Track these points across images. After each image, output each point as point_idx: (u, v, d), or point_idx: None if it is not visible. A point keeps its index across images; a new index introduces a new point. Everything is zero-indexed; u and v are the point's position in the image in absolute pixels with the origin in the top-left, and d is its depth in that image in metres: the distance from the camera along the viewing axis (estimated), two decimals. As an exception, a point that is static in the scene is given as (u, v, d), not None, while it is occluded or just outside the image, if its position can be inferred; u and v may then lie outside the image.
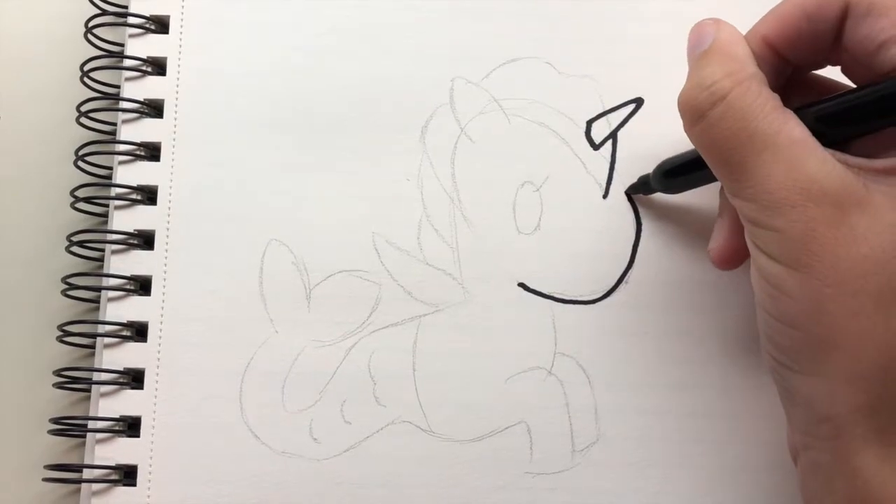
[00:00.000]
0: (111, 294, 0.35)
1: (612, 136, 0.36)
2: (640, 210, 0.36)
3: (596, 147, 0.36)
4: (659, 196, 0.35)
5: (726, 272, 0.34)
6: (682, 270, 0.35)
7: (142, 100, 0.36)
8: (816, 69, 0.31)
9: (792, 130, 0.26)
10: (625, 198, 0.36)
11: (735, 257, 0.32)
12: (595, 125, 0.36)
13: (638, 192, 0.36)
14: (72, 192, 0.36)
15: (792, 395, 0.27)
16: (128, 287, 0.35)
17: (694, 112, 0.28)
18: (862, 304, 0.25)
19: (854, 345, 0.25)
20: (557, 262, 0.35)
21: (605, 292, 0.35)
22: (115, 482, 0.34)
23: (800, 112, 0.27)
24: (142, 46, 0.37)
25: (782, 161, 0.26)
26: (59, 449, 0.36)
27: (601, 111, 0.36)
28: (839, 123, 0.27)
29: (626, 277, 0.35)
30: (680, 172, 0.33)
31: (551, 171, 0.36)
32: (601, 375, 0.34)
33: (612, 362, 0.35)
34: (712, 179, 0.30)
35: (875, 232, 0.25)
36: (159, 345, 0.35)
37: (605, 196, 0.36)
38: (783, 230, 0.26)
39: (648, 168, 0.34)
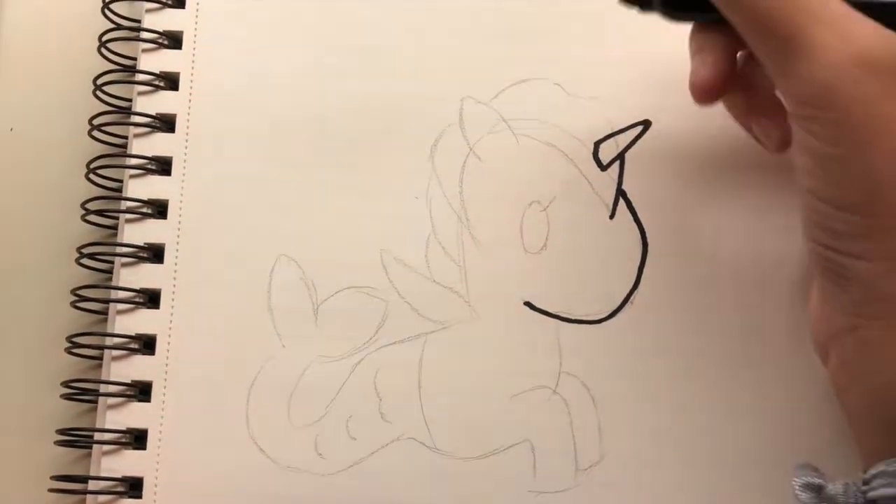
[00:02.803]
0: (120, 306, 0.35)
1: (620, 157, 0.36)
2: (647, 231, 0.36)
3: (603, 168, 0.36)
4: (665, 216, 0.36)
5: (732, 290, 0.34)
6: (687, 292, 0.35)
7: (154, 114, 0.37)
8: None
9: (837, 6, 0.25)
10: (632, 219, 0.36)
11: (723, 83, 0.29)
12: (603, 146, 0.36)
13: (634, 5, 0.31)
14: (83, 205, 0.36)
15: (846, 279, 0.26)
16: (137, 300, 0.36)
17: None
18: None
19: None
20: (564, 282, 0.36)
21: (610, 312, 0.35)
22: (120, 494, 0.34)
23: None
24: (155, 61, 0.37)
25: (837, 32, 0.25)
26: (66, 460, 0.36)
27: (609, 132, 0.36)
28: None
29: (632, 298, 0.35)
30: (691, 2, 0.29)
31: (559, 191, 0.36)
32: (606, 395, 0.35)
33: (616, 382, 0.35)
34: (720, 21, 0.28)
35: None
36: (167, 358, 0.35)
37: (611, 217, 0.36)
38: (845, 109, 0.25)
39: (655, 189, 0.34)
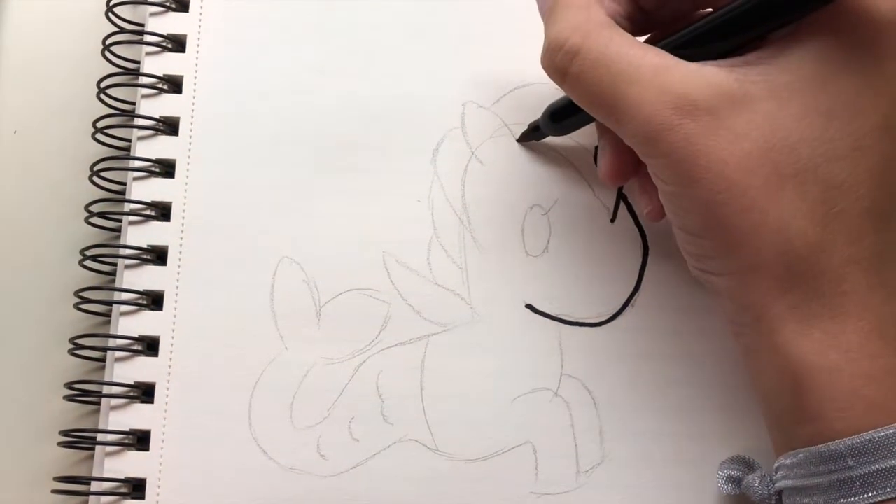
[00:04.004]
0: (123, 308, 0.36)
1: (621, 161, 0.37)
2: (648, 234, 0.36)
3: (604, 172, 0.37)
4: (665, 220, 0.36)
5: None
6: (688, 294, 0.36)
7: (157, 117, 0.37)
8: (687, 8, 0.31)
9: (652, 60, 0.27)
10: (633, 222, 0.36)
11: (622, 172, 0.32)
12: (603, 150, 0.37)
13: (530, 139, 0.36)
14: (86, 207, 0.36)
15: (717, 294, 0.29)
16: (140, 302, 0.36)
17: (556, 73, 0.29)
18: (753, 200, 0.26)
19: (752, 239, 0.27)
20: (565, 285, 0.36)
21: (611, 315, 0.36)
22: (123, 495, 0.34)
23: (659, 45, 0.28)
24: (158, 64, 0.38)
25: (649, 89, 0.27)
26: (69, 461, 0.36)
27: (610, 137, 0.37)
28: (696, 45, 0.28)
29: (633, 301, 0.36)
30: (566, 113, 0.33)
31: (560, 195, 0.37)
32: (607, 397, 0.35)
33: (617, 384, 0.35)
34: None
35: (754, 125, 0.26)
36: (170, 359, 0.35)
37: (612, 220, 0.36)
38: (668, 154, 0.27)
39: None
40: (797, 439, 0.27)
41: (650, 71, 0.27)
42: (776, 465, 0.29)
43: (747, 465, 0.32)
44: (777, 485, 0.29)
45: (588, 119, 0.33)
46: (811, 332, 0.27)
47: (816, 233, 0.26)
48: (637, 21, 0.31)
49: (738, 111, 0.26)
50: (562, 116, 0.34)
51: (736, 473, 0.32)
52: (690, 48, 0.28)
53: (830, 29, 0.26)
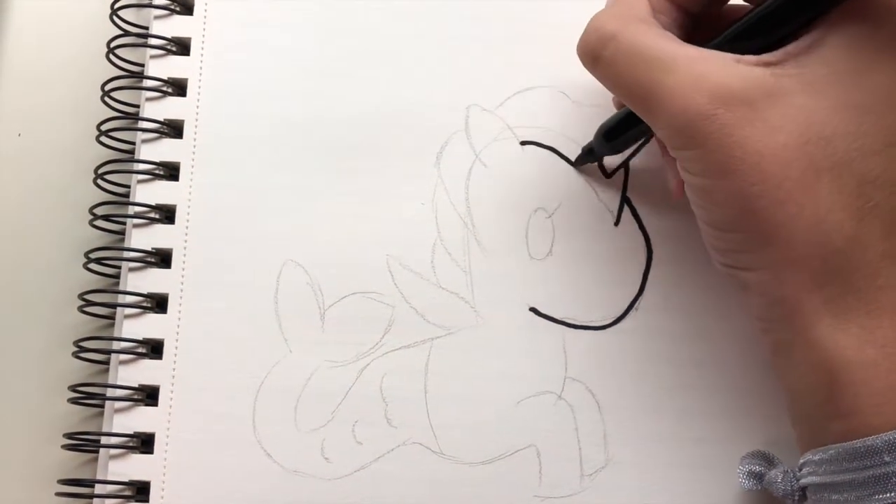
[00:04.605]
0: (127, 311, 0.36)
1: (625, 164, 0.37)
2: (651, 238, 0.36)
3: (608, 175, 0.37)
4: (669, 223, 0.36)
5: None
6: (691, 298, 0.36)
7: (162, 120, 0.37)
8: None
9: (688, 51, 0.28)
10: (636, 226, 0.36)
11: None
12: (607, 154, 0.37)
13: (585, 162, 0.36)
14: (90, 210, 0.36)
15: (745, 288, 0.29)
16: (144, 304, 0.36)
17: (588, 54, 0.30)
18: (788, 192, 0.26)
19: (787, 232, 0.26)
20: (569, 288, 0.36)
21: (615, 318, 0.36)
22: (127, 498, 0.34)
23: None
24: (163, 67, 0.38)
25: (686, 78, 0.27)
26: (73, 464, 0.36)
27: (613, 140, 0.37)
28: (732, 43, 0.28)
29: (637, 304, 0.36)
30: (619, 130, 0.34)
31: (564, 199, 0.37)
32: (611, 400, 0.35)
33: (621, 388, 0.35)
34: (650, 131, 0.31)
35: (789, 117, 0.26)
36: (174, 362, 0.35)
37: (616, 224, 0.36)
38: (702, 145, 0.27)
39: (659, 196, 0.35)
40: (828, 435, 0.27)
41: (686, 60, 0.27)
42: (802, 460, 0.28)
43: (767, 460, 0.32)
44: (802, 481, 0.28)
45: (642, 134, 0.33)
46: (848, 327, 0.26)
47: (852, 227, 0.26)
48: (686, 29, 0.31)
49: (774, 104, 0.26)
50: (615, 134, 0.34)
51: (757, 469, 0.31)
52: (727, 47, 0.28)
53: (863, 21, 0.26)
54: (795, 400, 0.29)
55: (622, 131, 0.34)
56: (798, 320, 0.27)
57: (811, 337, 0.27)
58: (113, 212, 0.37)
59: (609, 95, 0.36)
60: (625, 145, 0.35)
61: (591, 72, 0.30)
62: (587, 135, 0.36)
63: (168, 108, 0.37)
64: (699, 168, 0.28)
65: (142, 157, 0.37)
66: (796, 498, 0.29)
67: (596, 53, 0.29)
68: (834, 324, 0.26)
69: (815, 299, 0.27)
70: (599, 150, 0.35)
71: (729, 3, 0.31)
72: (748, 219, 0.27)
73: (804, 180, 0.26)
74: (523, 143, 0.37)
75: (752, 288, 0.29)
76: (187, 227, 0.36)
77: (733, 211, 0.27)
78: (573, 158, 0.37)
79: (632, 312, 0.36)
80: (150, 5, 0.38)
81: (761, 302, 0.29)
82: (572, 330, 0.35)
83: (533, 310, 0.36)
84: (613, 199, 0.37)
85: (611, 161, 0.37)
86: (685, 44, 0.28)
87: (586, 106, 0.37)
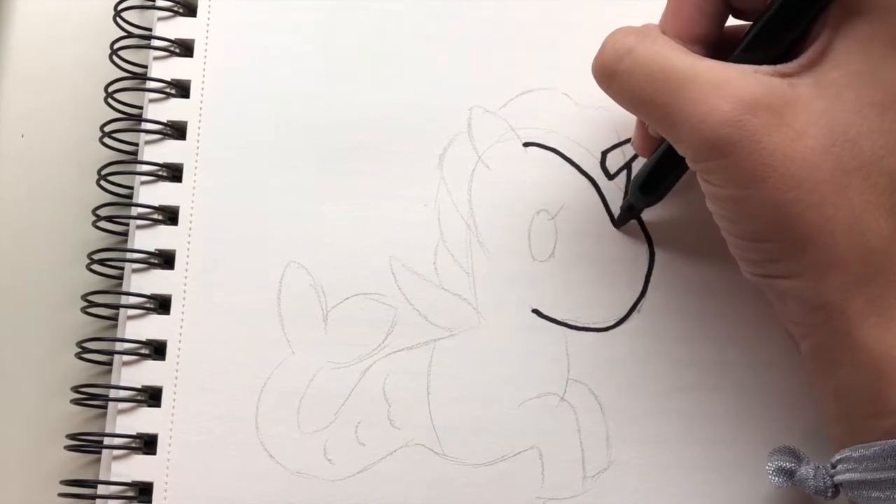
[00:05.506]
0: (130, 312, 0.36)
1: (627, 166, 0.37)
2: (654, 240, 0.36)
3: (611, 177, 0.37)
4: (671, 225, 0.36)
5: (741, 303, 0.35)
6: (694, 300, 0.36)
7: (165, 121, 0.37)
8: None
9: (706, 61, 0.27)
10: (639, 227, 0.36)
11: (654, 145, 0.33)
12: (610, 155, 0.37)
13: (627, 219, 0.36)
14: (94, 211, 0.37)
15: (783, 297, 0.29)
16: (147, 305, 0.36)
17: (605, 71, 0.29)
18: (823, 195, 0.26)
19: (825, 236, 0.26)
20: (571, 290, 0.36)
21: (617, 320, 0.36)
22: (130, 499, 0.34)
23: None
24: (166, 69, 0.38)
25: (706, 86, 0.27)
26: (76, 465, 0.36)
27: (616, 142, 0.37)
28: (744, 53, 0.28)
29: (639, 306, 0.36)
30: (654, 179, 0.33)
31: (566, 200, 0.37)
32: (613, 402, 0.35)
33: (623, 389, 0.35)
34: (685, 170, 0.31)
35: (812, 123, 0.26)
36: (177, 363, 0.35)
37: (618, 226, 0.36)
38: (730, 154, 0.26)
39: (661, 202, 0.35)
40: (871, 433, 0.27)
41: (706, 69, 0.27)
42: (838, 457, 0.28)
43: (796, 456, 0.31)
44: (837, 478, 0.28)
45: (678, 177, 0.33)
46: (893, 326, 0.26)
47: (889, 225, 0.26)
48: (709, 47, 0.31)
49: (795, 111, 0.26)
50: (652, 186, 0.34)
51: (787, 465, 0.31)
52: (741, 59, 0.28)
53: (866, 20, 0.26)
54: (836, 400, 0.28)
55: (658, 180, 0.33)
56: (842, 323, 0.27)
57: (856, 337, 0.27)
58: (116, 213, 0.37)
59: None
60: (662, 194, 0.34)
61: (606, 90, 0.30)
62: (590, 137, 0.37)
63: (171, 110, 0.37)
64: (725, 179, 0.27)
65: (145, 159, 0.37)
66: (829, 494, 0.29)
67: (613, 68, 0.29)
68: (880, 323, 0.26)
69: (857, 300, 0.26)
70: (639, 205, 0.35)
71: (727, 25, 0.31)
72: (784, 226, 0.27)
73: (836, 182, 0.26)
74: (526, 144, 0.37)
75: (787, 295, 0.28)
76: (190, 229, 0.36)
77: (767, 219, 0.27)
78: (575, 160, 0.37)
79: (634, 314, 0.36)
80: (153, 7, 0.38)
81: (798, 308, 0.28)
82: (575, 332, 0.36)
83: (535, 311, 0.36)
84: (616, 201, 0.37)
85: (613, 162, 0.37)
86: (703, 57, 0.28)
87: (589, 108, 0.37)
